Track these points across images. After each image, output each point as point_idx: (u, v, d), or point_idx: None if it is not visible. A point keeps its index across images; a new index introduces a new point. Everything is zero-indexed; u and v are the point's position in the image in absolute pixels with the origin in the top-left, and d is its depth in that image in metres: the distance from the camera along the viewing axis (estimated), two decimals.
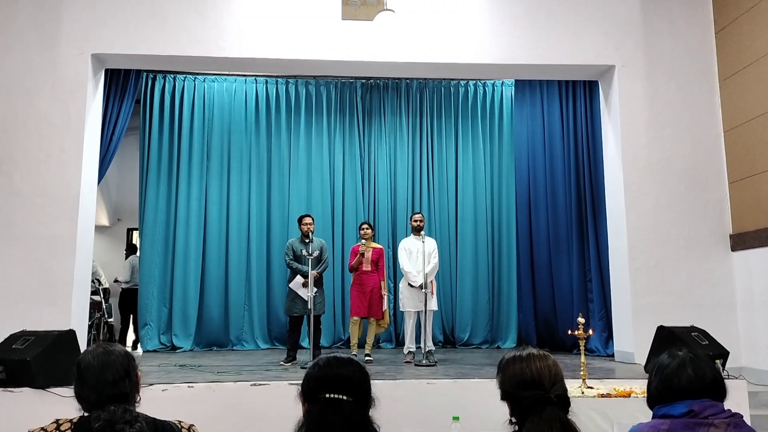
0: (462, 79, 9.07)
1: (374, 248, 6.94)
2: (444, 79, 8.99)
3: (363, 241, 6.90)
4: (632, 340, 6.50)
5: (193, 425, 1.85)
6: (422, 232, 6.80)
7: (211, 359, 7.10)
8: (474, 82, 9.20)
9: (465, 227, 8.91)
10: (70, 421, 1.74)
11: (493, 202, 9.01)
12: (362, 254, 6.80)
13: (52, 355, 4.54)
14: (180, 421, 1.84)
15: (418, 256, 6.65)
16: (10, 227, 6.12)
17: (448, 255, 8.71)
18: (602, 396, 4.11)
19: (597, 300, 7.71)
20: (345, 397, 1.61)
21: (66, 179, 6.28)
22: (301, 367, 6.00)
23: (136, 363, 1.82)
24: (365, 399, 1.67)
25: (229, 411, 4.29)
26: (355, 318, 6.81)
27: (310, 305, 6.14)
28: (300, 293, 6.40)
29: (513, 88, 9.00)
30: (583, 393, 4.18)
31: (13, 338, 4.71)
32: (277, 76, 8.97)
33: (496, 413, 1.98)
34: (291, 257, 6.61)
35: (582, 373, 4.33)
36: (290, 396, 4.39)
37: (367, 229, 6.94)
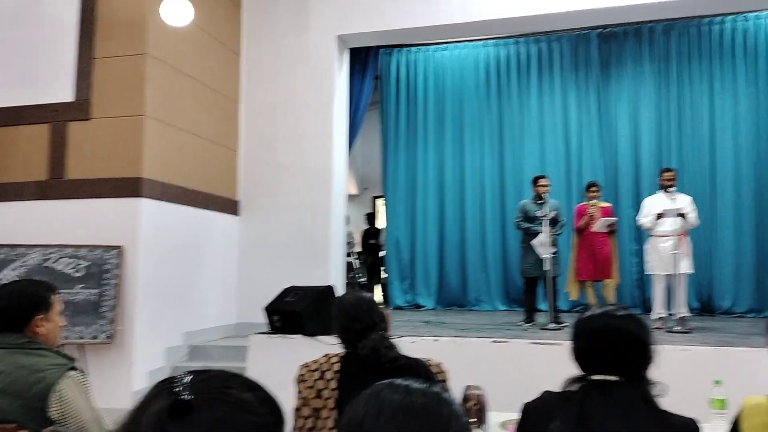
0: (717, 15, 7.98)
1: (603, 207, 6.60)
2: (695, 17, 7.98)
3: (592, 201, 6.61)
4: None
5: (441, 363, 1.99)
6: (672, 188, 6.18)
7: (452, 317, 7.44)
8: (732, 17, 8.03)
9: (725, 182, 7.92)
10: (338, 355, 2.00)
11: (760, 151, 7.84)
12: (591, 216, 6.54)
13: (317, 307, 5.16)
14: (429, 359, 1.99)
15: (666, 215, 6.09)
16: (279, 196, 7.04)
17: (702, 214, 7.80)
18: None
19: None
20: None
21: (321, 153, 7.00)
22: (541, 329, 5.97)
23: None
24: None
25: (472, 364, 4.46)
26: (584, 281, 6.67)
27: (546, 266, 6.05)
28: (539, 251, 6.30)
29: None
30: None
31: (285, 292, 5.46)
32: (506, 37, 8.85)
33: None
34: (521, 218, 6.53)
35: None
36: (530, 354, 4.44)
37: (594, 192, 6.62)
